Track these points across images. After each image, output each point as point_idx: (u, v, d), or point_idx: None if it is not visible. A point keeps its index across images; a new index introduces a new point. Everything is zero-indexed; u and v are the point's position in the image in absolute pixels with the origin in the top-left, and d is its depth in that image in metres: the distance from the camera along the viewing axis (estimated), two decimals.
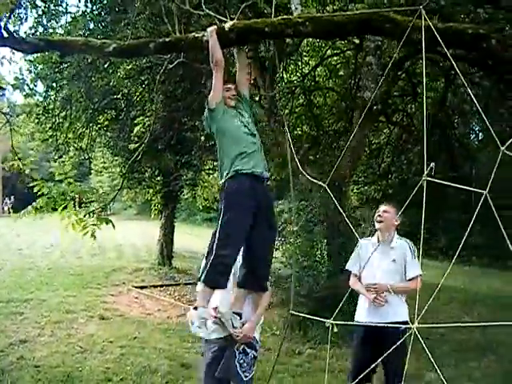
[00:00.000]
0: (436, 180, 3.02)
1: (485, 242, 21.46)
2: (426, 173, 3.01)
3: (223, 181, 4.38)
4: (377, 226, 5.92)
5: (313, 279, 10.58)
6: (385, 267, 5.80)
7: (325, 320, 3.93)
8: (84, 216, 7.39)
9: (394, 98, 14.02)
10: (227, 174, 4.33)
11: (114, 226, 7.49)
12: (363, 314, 5.90)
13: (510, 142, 2.62)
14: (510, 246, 2.72)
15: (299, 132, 15.28)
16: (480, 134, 22.55)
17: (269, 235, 4.57)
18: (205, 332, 4.49)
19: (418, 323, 2.92)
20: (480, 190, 2.77)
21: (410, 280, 5.72)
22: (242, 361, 4.88)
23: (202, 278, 4.33)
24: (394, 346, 3.45)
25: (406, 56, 10.71)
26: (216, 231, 4.29)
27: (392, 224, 5.88)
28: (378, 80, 10.73)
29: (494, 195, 2.80)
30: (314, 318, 4.51)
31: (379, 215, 5.88)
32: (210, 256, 4.25)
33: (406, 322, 5.56)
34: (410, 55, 10.73)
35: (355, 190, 18.23)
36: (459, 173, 17.26)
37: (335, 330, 3.90)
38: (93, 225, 7.33)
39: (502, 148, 2.64)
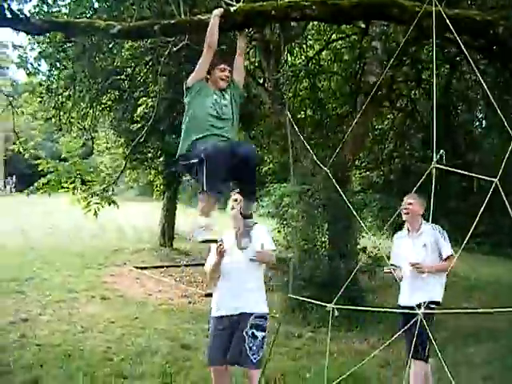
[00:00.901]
0: (445, 167, 3.03)
1: (486, 230, 21.50)
2: (435, 160, 3.01)
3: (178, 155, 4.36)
4: (404, 217, 6.26)
5: (313, 263, 10.60)
6: (417, 253, 6.05)
7: (325, 304, 3.95)
8: (89, 196, 7.44)
9: (399, 83, 13.96)
10: (181, 150, 4.31)
11: (117, 205, 7.54)
12: (404, 297, 6.14)
13: None
14: None
15: (303, 115, 15.24)
16: (484, 121, 22.44)
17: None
18: (203, 236, 4.20)
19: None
20: (491, 178, 2.78)
21: (445, 260, 6.01)
22: (251, 344, 5.19)
23: (205, 188, 4.05)
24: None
25: (412, 41, 10.65)
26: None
27: (418, 214, 6.20)
28: (383, 65, 10.69)
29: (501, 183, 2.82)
30: (315, 302, 4.54)
31: (405, 208, 6.18)
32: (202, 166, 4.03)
33: (439, 303, 5.98)
34: (416, 40, 10.66)
35: (357, 175, 18.22)
36: (462, 159, 17.24)
37: (336, 313, 3.93)
38: (96, 203, 7.38)
39: None
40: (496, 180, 2.77)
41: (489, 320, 9.98)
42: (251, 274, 5.45)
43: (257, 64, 14.02)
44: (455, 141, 15.75)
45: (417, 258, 5.96)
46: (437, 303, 5.96)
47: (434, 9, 3.45)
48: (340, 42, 14.94)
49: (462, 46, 3.91)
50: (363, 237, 11.16)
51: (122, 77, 14.83)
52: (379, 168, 17.48)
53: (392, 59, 9.16)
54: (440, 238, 6.06)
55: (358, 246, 11.21)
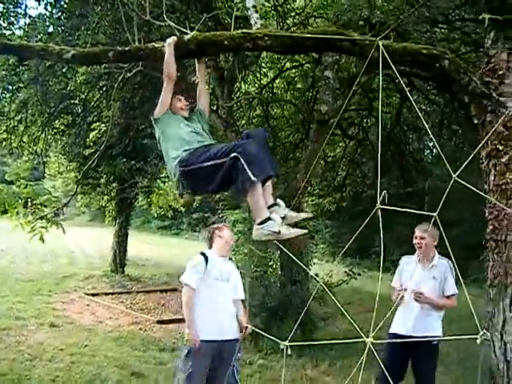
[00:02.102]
0: (389, 207, 3.14)
1: None
2: (379, 201, 3.12)
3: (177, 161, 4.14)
4: (418, 250, 6.29)
5: (265, 290, 10.63)
6: (426, 284, 6.17)
7: (280, 342, 3.98)
8: (36, 220, 7.31)
9: (350, 111, 14.17)
10: (177, 157, 4.15)
11: (64, 230, 7.42)
12: (401, 326, 6.27)
13: (461, 169, 2.72)
14: (453, 260, 2.84)
15: None
16: (434, 149, 22.92)
17: None
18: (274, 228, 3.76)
19: (373, 338, 3.02)
20: (430, 213, 2.88)
21: (447, 297, 6.16)
22: (238, 376, 5.67)
23: (252, 178, 3.70)
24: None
25: (363, 71, 10.84)
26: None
27: (431, 246, 6.23)
28: (335, 94, 10.86)
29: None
30: (270, 337, 4.58)
31: (418, 242, 6.22)
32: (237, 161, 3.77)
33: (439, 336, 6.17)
34: (367, 70, 10.87)
35: (310, 202, 18.34)
36: (413, 187, 17.55)
37: (289, 352, 3.94)
38: (41, 227, 7.25)
39: (454, 175, 2.75)
40: (435, 214, 2.88)
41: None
42: (231, 300, 5.90)
43: (210, 91, 14.11)
44: (406, 169, 16.03)
45: (424, 289, 6.07)
46: (438, 336, 6.14)
47: (381, 53, 3.54)
48: (293, 70, 15.10)
49: (401, 80, 4.06)
50: (315, 263, 11.23)
51: (76, 101, 14.73)
52: (331, 195, 17.64)
53: (343, 88, 9.35)
54: (448, 275, 6.14)
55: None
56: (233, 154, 3.73)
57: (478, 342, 2.92)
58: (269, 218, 3.76)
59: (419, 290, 6.03)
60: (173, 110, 4.47)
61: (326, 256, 26.02)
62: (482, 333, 2.86)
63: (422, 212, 3.10)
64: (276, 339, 4.11)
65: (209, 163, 3.91)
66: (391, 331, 6.36)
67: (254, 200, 3.80)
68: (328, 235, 27.86)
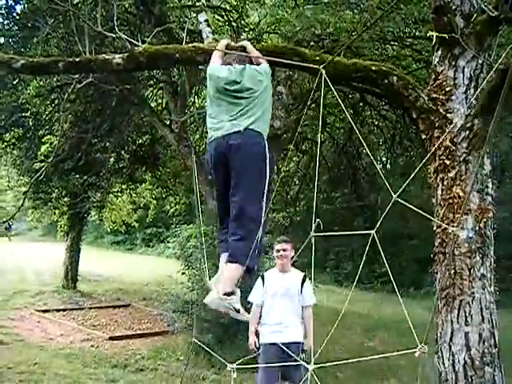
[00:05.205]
0: (322, 234, 3.24)
1: (391, 270, 22.06)
2: (313, 229, 3.20)
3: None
4: None
5: None
6: None
7: (227, 363, 4.02)
8: None
9: (304, 127, 14.27)
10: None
11: (9, 238, 7.30)
12: None
13: (401, 190, 2.78)
14: (390, 274, 2.90)
15: None
16: (387, 165, 23.22)
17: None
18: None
19: (315, 363, 3.06)
20: (367, 232, 2.94)
21: None
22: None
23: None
24: None
25: (317, 86, 10.91)
26: None
27: None
28: (288, 109, 10.93)
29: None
30: (216, 355, 4.66)
31: None
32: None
33: None
34: (319, 86, 10.93)
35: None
36: (365, 201, 17.74)
37: (234, 376, 3.99)
38: None
39: (395, 196, 2.81)
40: (373, 232, 2.94)
41: (392, 358, 10.21)
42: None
43: (164, 105, 14.05)
44: (358, 183, 16.20)
45: None
46: None
47: (323, 83, 3.57)
48: None
49: (338, 98, 4.11)
50: None
51: (27, 114, 14.51)
52: (285, 209, 17.70)
53: (297, 103, 9.41)
54: None
55: None
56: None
57: (417, 355, 2.98)
58: (233, 293, 3.75)
59: None
60: None
61: None
62: (420, 347, 2.92)
63: (359, 232, 3.17)
64: (224, 360, 4.14)
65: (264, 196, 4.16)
66: None
67: (236, 273, 3.80)
68: None
